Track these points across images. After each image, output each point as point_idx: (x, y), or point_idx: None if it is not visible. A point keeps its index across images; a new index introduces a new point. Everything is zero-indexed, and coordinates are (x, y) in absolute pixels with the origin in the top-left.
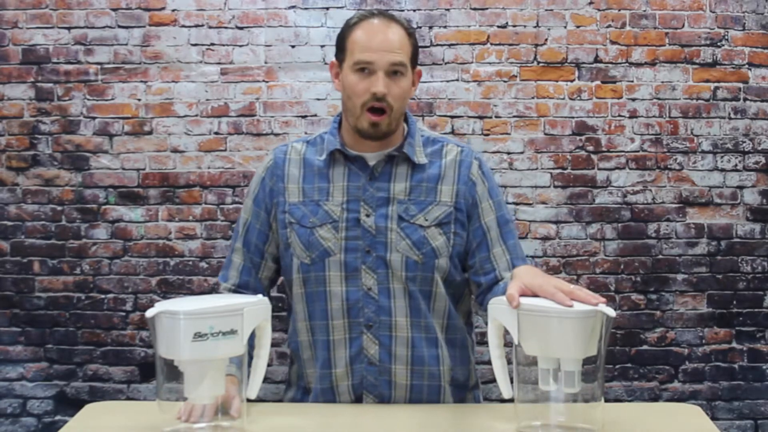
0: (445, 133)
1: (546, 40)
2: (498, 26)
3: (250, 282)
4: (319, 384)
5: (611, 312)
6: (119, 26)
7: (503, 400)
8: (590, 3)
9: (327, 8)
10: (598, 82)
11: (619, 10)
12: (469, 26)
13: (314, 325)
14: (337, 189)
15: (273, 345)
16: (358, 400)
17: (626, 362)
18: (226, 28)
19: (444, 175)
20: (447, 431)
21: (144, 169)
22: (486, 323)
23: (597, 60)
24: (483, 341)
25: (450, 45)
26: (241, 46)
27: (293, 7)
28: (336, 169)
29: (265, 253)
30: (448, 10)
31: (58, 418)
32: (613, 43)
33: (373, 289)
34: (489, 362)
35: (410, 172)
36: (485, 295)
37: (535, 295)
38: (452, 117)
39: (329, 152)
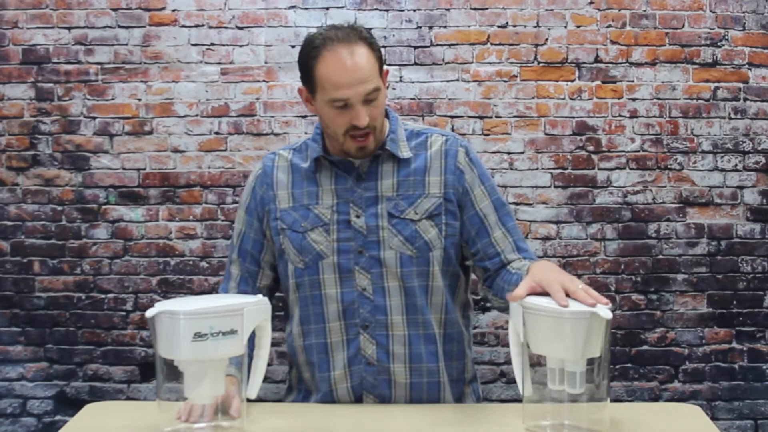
0: None
1: (546, 40)
2: (498, 26)
3: (248, 292)
4: (319, 387)
5: (606, 314)
6: (119, 26)
7: (503, 400)
8: (590, 3)
9: (327, 8)
10: (599, 82)
11: (619, 10)
12: (469, 26)
13: (311, 329)
14: (326, 192)
15: (273, 345)
16: (358, 400)
17: (626, 362)
18: (226, 28)
19: (430, 166)
20: (456, 430)
21: (144, 169)
22: (497, 309)
23: (597, 60)
24: (483, 341)
25: (450, 45)
26: (241, 46)
27: (293, 7)
28: (323, 173)
29: (262, 261)
30: (448, 10)
31: (58, 418)
32: (613, 43)
33: (368, 289)
34: (487, 362)
35: (396, 168)
36: (494, 279)
37: (545, 291)
38: (452, 117)
39: (313, 158)
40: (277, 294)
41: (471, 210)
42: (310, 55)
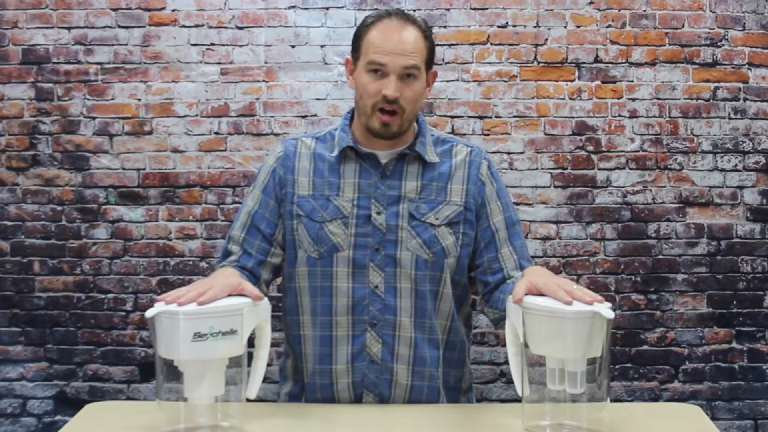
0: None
1: (546, 40)
2: (498, 26)
3: (246, 266)
4: (318, 379)
5: (608, 314)
6: (119, 26)
7: (502, 401)
8: (590, 3)
9: (327, 8)
10: (598, 82)
11: (619, 10)
12: (469, 26)
13: (317, 320)
14: (347, 185)
15: (273, 345)
16: (357, 397)
17: (626, 362)
18: (226, 28)
19: (454, 174)
20: (455, 430)
21: (144, 169)
22: (492, 321)
23: (597, 60)
24: (483, 341)
25: (450, 45)
26: (241, 46)
27: (293, 7)
28: (347, 166)
29: (273, 241)
30: (448, 10)
31: (58, 418)
32: (613, 43)
33: (380, 288)
34: (487, 362)
35: (421, 171)
36: (492, 293)
37: (542, 294)
38: (452, 117)
39: (341, 149)
40: (276, 294)
41: (484, 222)
42: (365, 23)
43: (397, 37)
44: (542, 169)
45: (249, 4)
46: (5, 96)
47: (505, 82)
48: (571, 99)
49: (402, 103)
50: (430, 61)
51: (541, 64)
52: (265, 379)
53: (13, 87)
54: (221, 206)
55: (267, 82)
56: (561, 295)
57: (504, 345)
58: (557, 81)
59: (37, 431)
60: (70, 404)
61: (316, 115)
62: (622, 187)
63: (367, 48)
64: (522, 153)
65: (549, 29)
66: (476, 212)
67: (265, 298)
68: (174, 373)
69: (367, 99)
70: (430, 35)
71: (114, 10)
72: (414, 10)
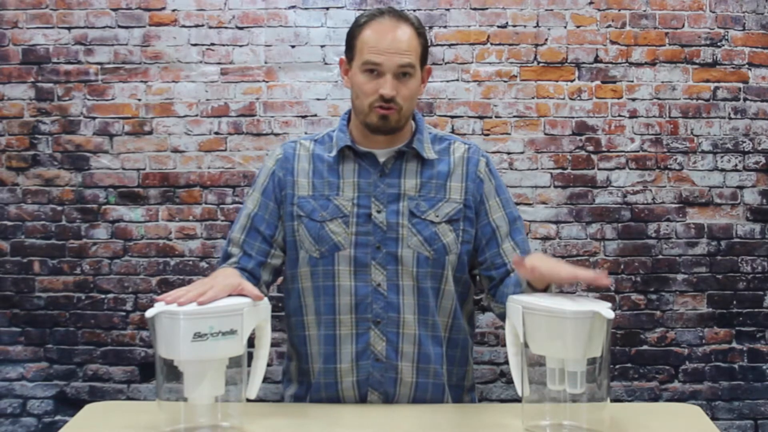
0: None
1: (546, 40)
2: (498, 26)
3: (246, 268)
4: (323, 378)
5: (608, 314)
6: (119, 26)
7: (502, 401)
8: (590, 3)
9: (327, 8)
10: (598, 82)
11: (619, 10)
12: (469, 26)
13: (321, 319)
14: (347, 185)
15: (273, 345)
16: (362, 396)
17: (626, 362)
18: (226, 28)
19: (452, 172)
20: (455, 430)
21: (144, 169)
22: (498, 316)
23: (597, 60)
24: (483, 341)
25: (450, 45)
26: (241, 46)
27: (293, 7)
28: (346, 165)
29: (274, 243)
30: (448, 10)
31: (58, 418)
32: (613, 43)
33: (383, 285)
34: (487, 362)
35: (420, 169)
36: (498, 287)
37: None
38: (452, 117)
39: (339, 149)
40: (276, 294)
41: (484, 219)
42: (358, 22)
43: (391, 36)
44: (542, 169)
45: (249, 4)
46: (5, 96)
47: (505, 82)
48: (571, 99)
49: (398, 101)
50: (424, 57)
51: (541, 64)
52: (265, 379)
53: (13, 87)
54: (221, 206)
55: (267, 82)
56: (565, 269)
57: (504, 345)
58: (557, 81)
59: (37, 431)
60: (70, 404)
61: (316, 115)
62: (622, 187)
63: (362, 48)
64: (522, 153)
65: (549, 29)
66: (475, 209)
67: (265, 298)
68: (174, 373)
69: (364, 99)
70: (424, 32)
71: (114, 10)
72: (414, 10)
